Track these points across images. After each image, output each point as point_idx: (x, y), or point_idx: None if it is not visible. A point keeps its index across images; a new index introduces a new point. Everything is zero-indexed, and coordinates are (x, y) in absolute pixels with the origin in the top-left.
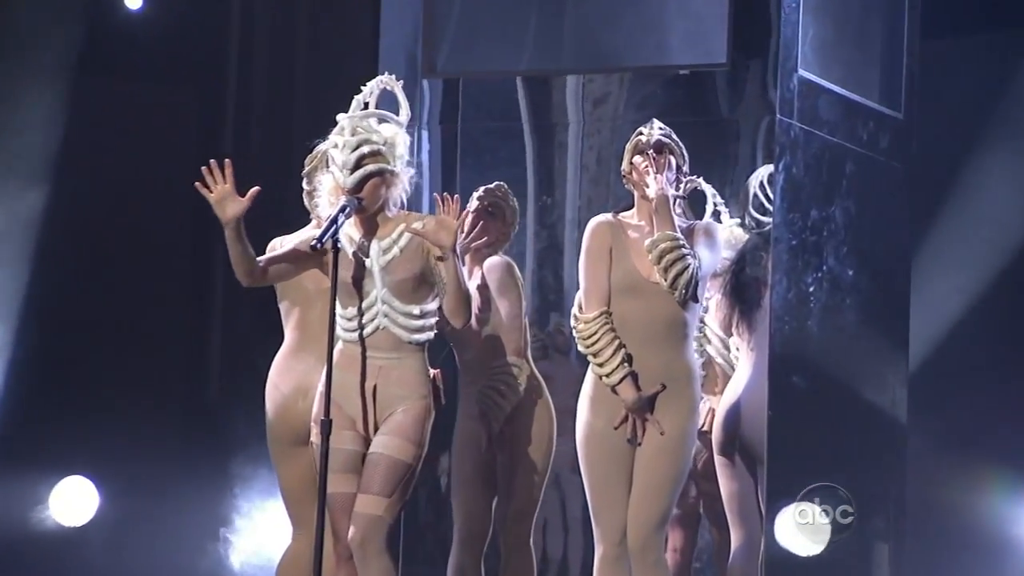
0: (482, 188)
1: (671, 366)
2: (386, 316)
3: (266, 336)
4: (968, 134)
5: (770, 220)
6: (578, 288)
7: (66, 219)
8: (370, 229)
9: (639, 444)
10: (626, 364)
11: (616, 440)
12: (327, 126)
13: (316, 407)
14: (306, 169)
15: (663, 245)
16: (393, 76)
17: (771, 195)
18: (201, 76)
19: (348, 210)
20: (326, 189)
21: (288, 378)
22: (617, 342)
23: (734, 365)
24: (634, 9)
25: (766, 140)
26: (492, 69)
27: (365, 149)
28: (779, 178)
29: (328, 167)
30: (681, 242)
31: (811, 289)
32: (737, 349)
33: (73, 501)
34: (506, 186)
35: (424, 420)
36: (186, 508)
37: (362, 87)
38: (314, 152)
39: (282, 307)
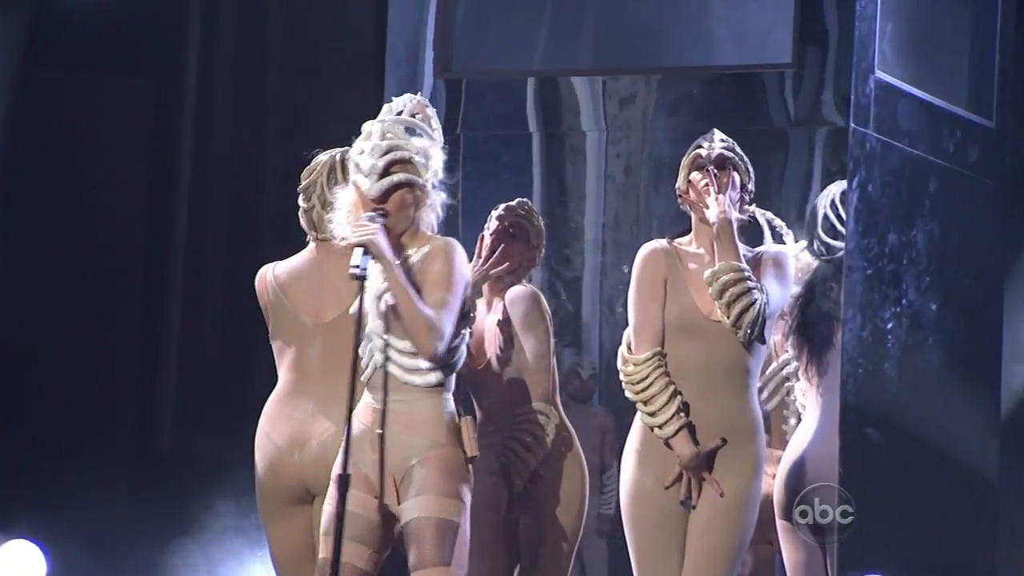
0: (502, 206)
1: (732, 418)
2: (382, 352)
3: (232, 371)
4: None
5: (843, 245)
6: (610, 324)
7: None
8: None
9: (694, 507)
10: (682, 414)
11: (667, 501)
12: (303, 126)
13: (338, 460)
14: (303, 183)
15: (725, 277)
16: (425, 100)
17: (845, 217)
18: (158, 66)
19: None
20: (345, 204)
21: (282, 427)
22: (672, 388)
23: (800, 414)
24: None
25: (832, 152)
26: (511, 68)
27: (396, 155)
28: (853, 197)
29: (344, 178)
30: (746, 274)
31: (889, 326)
32: (803, 395)
33: (16, 569)
34: (529, 203)
35: (451, 471)
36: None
37: (393, 97)
38: (313, 164)
39: (275, 346)
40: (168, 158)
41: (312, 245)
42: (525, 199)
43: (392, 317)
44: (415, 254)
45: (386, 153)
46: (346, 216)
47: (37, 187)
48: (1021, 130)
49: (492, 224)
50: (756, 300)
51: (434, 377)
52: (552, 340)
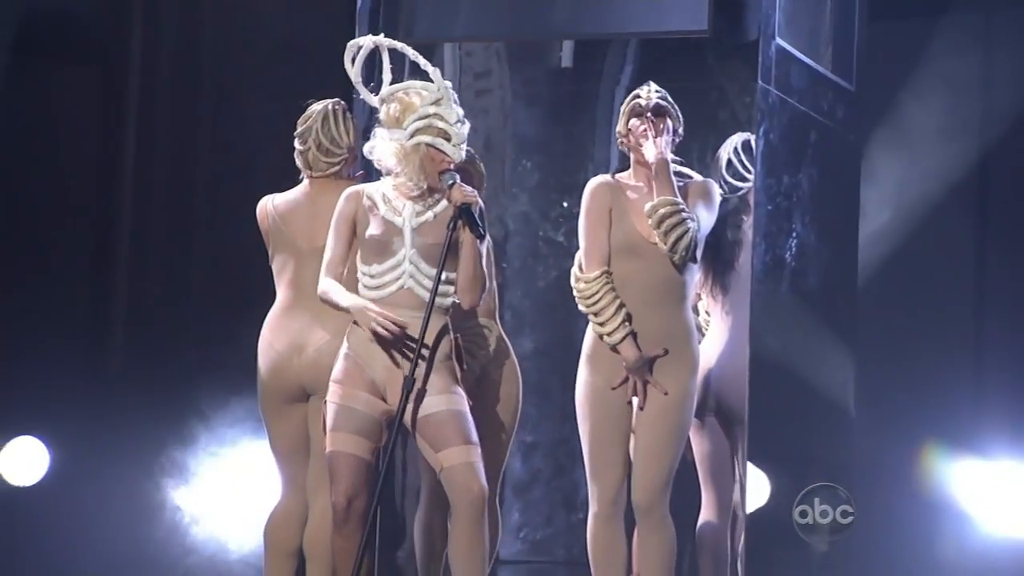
0: None
1: (670, 325)
2: (411, 277)
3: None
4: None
5: (745, 185)
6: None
7: None
8: (412, 194)
9: (641, 408)
10: (627, 323)
11: (615, 399)
12: (232, 103)
13: (339, 366)
14: (300, 129)
15: (663, 210)
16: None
17: (745, 161)
18: (105, 54)
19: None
20: (389, 150)
21: (282, 336)
22: (618, 301)
23: (703, 328)
24: None
25: (742, 106)
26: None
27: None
28: (760, 143)
29: (336, 127)
30: (681, 206)
31: (784, 253)
32: (707, 312)
33: (24, 461)
34: (472, 150)
35: (456, 377)
36: (133, 464)
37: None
38: (308, 112)
39: (274, 265)
40: (115, 133)
41: (306, 181)
42: (469, 148)
43: (426, 248)
44: (437, 205)
45: (464, 122)
46: (401, 161)
47: (12, 154)
48: (874, 94)
49: None
50: (689, 228)
51: (450, 300)
52: (494, 267)
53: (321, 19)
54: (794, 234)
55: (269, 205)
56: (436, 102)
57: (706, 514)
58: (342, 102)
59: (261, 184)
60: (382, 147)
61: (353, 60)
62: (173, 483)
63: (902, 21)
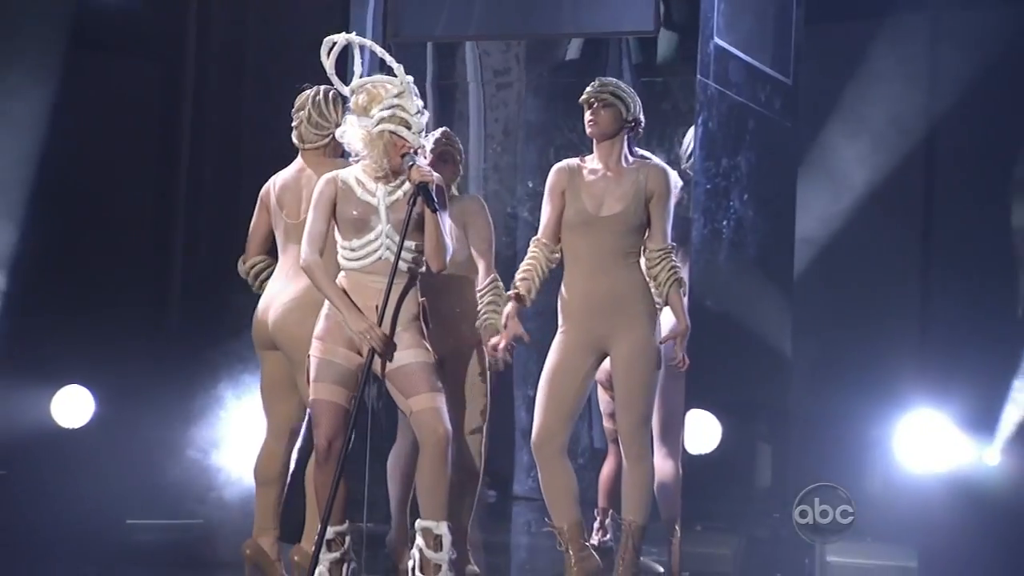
0: (431, 138)
1: (619, 287)
2: (388, 249)
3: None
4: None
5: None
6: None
7: (48, 178)
8: (378, 175)
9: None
10: (523, 287)
11: (579, 354)
12: (273, 92)
13: (321, 324)
14: (295, 108)
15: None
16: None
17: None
18: (163, 50)
19: (415, 164)
20: (357, 135)
21: (264, 297)
22: (530, 271)
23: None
24: None
25: (683, 97)
26: (448, 34)
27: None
28: (699, 131)
29: (326, 107)
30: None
31: (722, 227)
32: None
33: (72, 407)
34: (449, 130)
35: (424, 334)
36: (167, 413)
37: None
38: (303, 94)
39: (276, 235)
40: (173, 120)
41: (299, 156)
42: (445, 127)
43: (398, 223)
44: (405, 185)
45: (424, 113)
46: (368, 145)
47: (81, 138)
48: (808, 88)
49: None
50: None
51: (420, 267)
52: (491, 228)
53: (351, 19)
54: (732, 210)
55: (271, 184)
56: (399, 94)
57: (660, 456)
58: (332, 88)
59: None
60: (351, 132)
61: (328, 54)
62: (199, 429)
63: (836, 23)
